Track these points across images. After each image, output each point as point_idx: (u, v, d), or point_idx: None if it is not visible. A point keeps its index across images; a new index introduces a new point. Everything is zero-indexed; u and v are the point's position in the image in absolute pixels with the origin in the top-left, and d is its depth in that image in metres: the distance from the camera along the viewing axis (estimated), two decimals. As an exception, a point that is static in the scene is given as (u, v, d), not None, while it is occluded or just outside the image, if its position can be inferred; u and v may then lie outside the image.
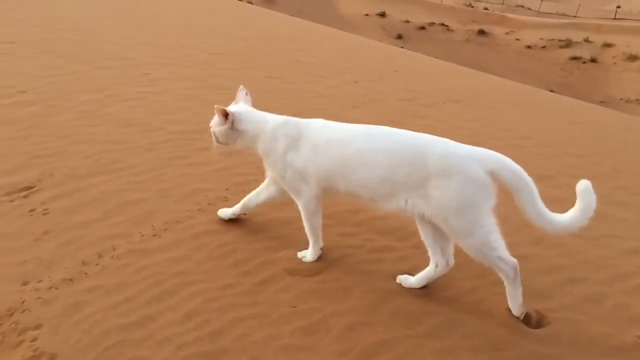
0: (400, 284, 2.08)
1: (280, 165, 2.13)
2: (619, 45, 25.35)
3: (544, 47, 26.61)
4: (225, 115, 2.14)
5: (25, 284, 2.03)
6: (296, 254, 2.20)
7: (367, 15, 30.12)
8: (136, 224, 2.38)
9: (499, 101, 5.12)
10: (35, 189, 2.63)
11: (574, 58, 24.72)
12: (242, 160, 2.90)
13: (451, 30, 28.75)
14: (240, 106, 2.24)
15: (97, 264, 2.13)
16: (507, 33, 28.90)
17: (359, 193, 2.03)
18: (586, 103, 6.79)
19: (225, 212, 2.41)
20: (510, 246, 1.92)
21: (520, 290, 1.94)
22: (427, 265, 2.06)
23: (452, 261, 2.03)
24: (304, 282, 2.05)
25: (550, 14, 36.63)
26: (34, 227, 2.35)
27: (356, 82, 4.91)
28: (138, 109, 3.62)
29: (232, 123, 2.15)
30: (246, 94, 2.28)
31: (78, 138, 3.13)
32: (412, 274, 2.11)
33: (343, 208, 2.53)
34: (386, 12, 29.46)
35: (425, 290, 2.05)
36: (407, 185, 1.91)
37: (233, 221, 2.41)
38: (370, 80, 5.13)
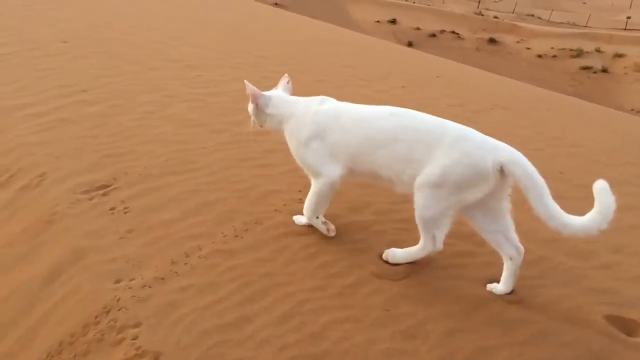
0: (490, 292, 2.05)
1: (302, 149, 2.20)
2: (631, 56, 25.14)
3: (554, 56, 26.43)
4: (255, 97, 2.28)
5: (117, 281, 2.04)
6: (381, 257, 2.18)
7: (378, 22, 30.04)
8: (217, 224, 2.37)
9: (544, 109, 5.06)
10: (111, 187, 2.64)
11: (585, 68, 24.55)
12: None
13: (462, 38, 28.61)
14: (273, 91, 2.36)
15: (186, 264, 2.13)
16: (517, 42, 28.75)
17: (380, 173, 2.08)
18: (620, 112, 6.71)
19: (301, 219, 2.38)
20: (590, 254, 1.88)
21: (415, 259, 2.09)
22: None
23: (521, 247, 2.00)
24: (393, 286, 2.03)
25: (561, 23, 36.47)
26: (117, 226, 2.35)
27: (403, 87, 4.88)
28: (199, 110, 3.63)
29: (257, 105, 2.28)
30: (287, 82, 2.39)
31: (145, 138, 3.14)
32: (497, 279, 2.08)
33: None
34: (397, 19, 29.37)
35: (515, 297, 2.02)
36: (419, 162, 1.97)
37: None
38: (416, 85, 5.10)
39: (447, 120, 2.06)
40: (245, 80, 2.27)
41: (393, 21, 29.39)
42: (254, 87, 2.26)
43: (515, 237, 2.01)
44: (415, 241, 2.09)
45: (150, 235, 2.30)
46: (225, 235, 2.30)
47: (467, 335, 1.82)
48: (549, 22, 36.79)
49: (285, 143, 2.30)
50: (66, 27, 5.64)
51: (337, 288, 2.02)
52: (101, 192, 2.61)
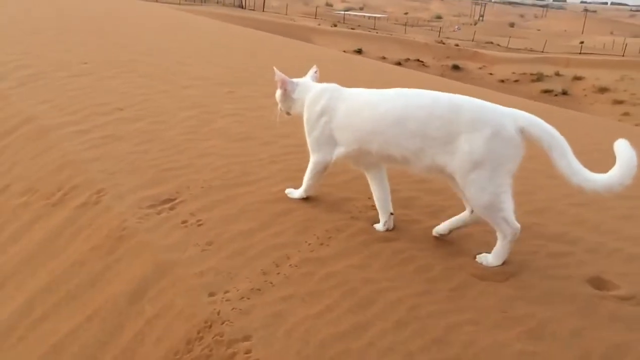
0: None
1: (312, 123, 2.29)
2: (589, 78, 25.92)
3: (516, 80, 27.05)
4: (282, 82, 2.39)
5: (212, 294, 1.90)
6: (475, 259, 2.08)
7: (344, 51, 30.33)
8: (298, 233, 2.25)
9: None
10: (177, 200, 2.51)
11: (546, 91, 25.09)
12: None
13: (426, 66, 29.00)
14: (300, 78, 2.45)
15: (278, 273, 2.00)
16: (480, 68, 29.38)
17: (391, 152, 2.09)
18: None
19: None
20: None
21: (508, 251, 2.02)
22: (613, 264, 1.98)
23: None
24: (499, 288, 1.93)
25: (519, 49, 37.52)
26: (195, 238, 2.22)
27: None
28: (242, 124, 3.53)
29: (285, 89, 2.39)
30: (315, 72, 2.50)
31: (199, 152, 3.02)
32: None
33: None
34: (362, 49, 29.56)
35: (628, 292, 1.93)
36: (437, 140, 1.95)
37: (398, 229, 2.29)
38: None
39: (455, 95, 2.05)
40: (274, 67, 2.42)
41: (359, 51, 29.53)
42: (283, 74, 2.38)
43: None
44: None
45: (233, 246, 2.17)
46: (310, 244, 2.18)
47: (594, 333, 1.73)
48: (508, 49, 37.88)
49: None
50: (83, 50, 5.52)
51: (444, 292, 1.91)
52: (167, 205, 2.47)
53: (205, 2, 51.14)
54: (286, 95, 2.40)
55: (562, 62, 29.42)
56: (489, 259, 2.06)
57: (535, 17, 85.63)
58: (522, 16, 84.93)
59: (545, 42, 39.28)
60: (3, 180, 2.98)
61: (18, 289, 2.24)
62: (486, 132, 1.88)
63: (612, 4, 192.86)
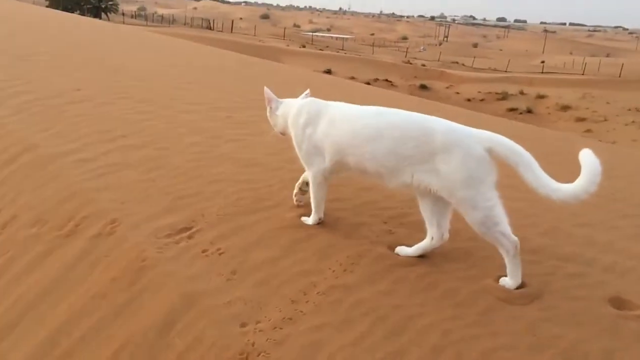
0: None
1: (300, 137, 2.37)
2: (552, 97, 26.71)
3: (482, 99, 27.63)
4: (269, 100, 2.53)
5: (243, 325, 1.87)
6: (499, 283, 2.09)
7: (314, 71, 30.49)
8: (320, 260, 2.23)
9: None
10: (194, 229, 2.47)
11: (512, 109, 25.67)
12: (383, 195, 2.79)
13: (395, 86, 29.38)
14: (289, 99, 2.55)
15: (307, 302, 1.98)
16: (447, 87, 30.02)
17: (366, 167, 2.18)
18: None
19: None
20: None
21: (519, 267, 2.02)
22: (630, 283, 2.02)
23: (446, 235, 2.17)
24: (526, 311, 1.95)
25: (483, 69, 38.48)
26: (218, 268, 2.18)
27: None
28: (248, 149, 3.50)
29: (270, 107, 2.53)
30: (306, 95, 2.56)
31: (209, 178, 2.98)
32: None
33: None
34: (332, 69, 29.80)
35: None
36: (413, 159, 2.04)
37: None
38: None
39: (427, 116, 2.15)
40: (265, 87, 2.54)
41: (328, 71, 29.76)
42: (270, 92, 2.53)
43: (447, 224, 2.17)
44: (528, 265, 2.03)
45: (257, 275, 2.14)
46: (334, 271, 2.16)
47: (626, 354, 1.75)
48: (473, 68, 38.84)
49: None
50: (77, 76, 5.43)
51: (473, 316, 1.91)
52: (185, 234, 2.43)
53: (171, 23, 51.03)
54: (271, 113, 2.53)
55: (526, 81, 30.22)
56: (508, 282, 2.07)
57: (498, 37, 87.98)
58: (484, 37, 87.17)
59: (509, 62, 40.36)
60: (9, 211, 2.88)
61: (39, 323, 2.16)
62: (459, 153, 1.97)
63: (570, 24, 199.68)
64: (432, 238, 2.18)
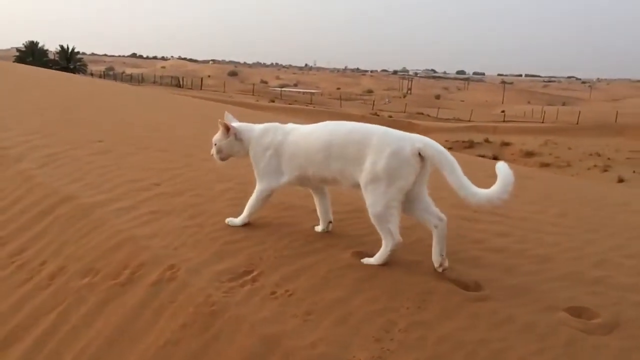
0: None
1: (259, 157, 2.59)
2: (516, 144, 27.55)
3: (450, 148, 28.08)
4: (227, 129, 2.65)
5: (334, 366, 1.78)
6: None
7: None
8: (391, 297, 2.18)
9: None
10: (255, 272, 2.39)
11: (479, 156, 26.21)
12: (428, 233, 2.76)
13: None
14: (234, 122, 2.72)
15: (392, 339, 1.92)
16: None
17: (324, 175, 2.44)
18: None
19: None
20: None
21: (388, 257, 2.32)
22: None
23: (442, 216, 2.29)
24: (609, 341, 1.94)
25: (448, 119, 39.73)
26: (291, 309, 2.11)
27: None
28: (279, 194, 3.43)
29: (235, 135, 2.65)
30: (232, 117, 2.75)
31: (252, 223, 2.90)
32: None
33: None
34: (304, 123, 30.16)
35: None
36: (353, 161, 2.29)
37: (481, 288, 2.26)
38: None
39: (369, 125, 2.42)
40: (219, 120, 2.70)
41: None
42: (233, 119, 2.74)
43: (435, 209, 2.30)
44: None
45: (333, 315, 2.07)
46: (409, 308, 2.11)
47: None
48: (438, 119, 40.01)
49: None
50: (94, 128, 5.34)
51: (558, 348, 1.89)
52: (248, 277, 2.35)
53: (141, 82, 51.26)
54: (235, 140, 2.66)
55: (490, 129, 31.16)
56: (370, 260, 2.36)
57: (458, 89, 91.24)
58: (446, 89, 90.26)
59: (472, 112, 41.69)
60: (55, 262, 2.75)
61: (111, 377, 2.02)
62: (387, 151, 2.20)
63: (526, 75, 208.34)
64: (435, 227, 2.28)
